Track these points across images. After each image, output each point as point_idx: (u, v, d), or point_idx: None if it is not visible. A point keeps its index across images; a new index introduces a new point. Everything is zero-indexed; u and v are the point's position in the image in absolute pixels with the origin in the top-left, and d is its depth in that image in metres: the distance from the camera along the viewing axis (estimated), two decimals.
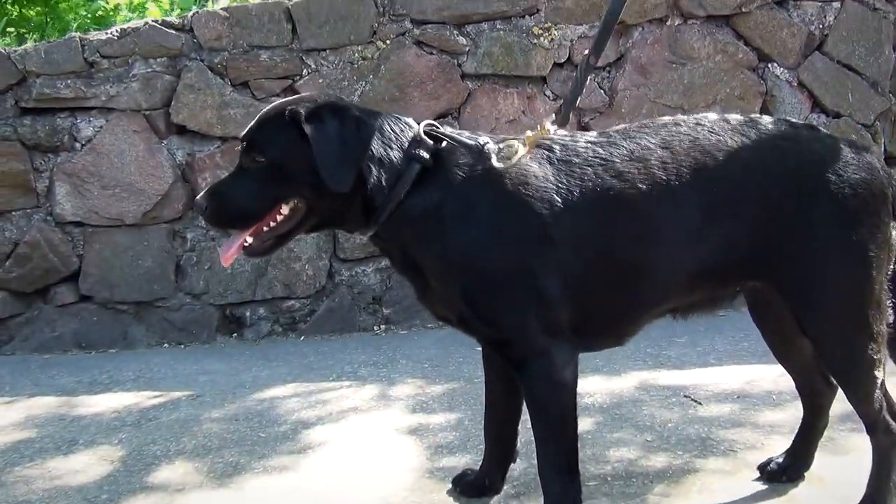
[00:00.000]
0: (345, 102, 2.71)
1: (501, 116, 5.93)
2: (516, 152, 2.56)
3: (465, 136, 2.66)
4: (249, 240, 2.62)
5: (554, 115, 2.75)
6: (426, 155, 2.57)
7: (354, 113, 2.60)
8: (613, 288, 2.58)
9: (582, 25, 5.99)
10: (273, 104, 2.73)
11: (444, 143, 2.62)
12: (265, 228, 2.61)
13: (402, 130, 2.64)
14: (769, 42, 6.02)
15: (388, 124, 2.64)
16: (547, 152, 2.59)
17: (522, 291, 2.48)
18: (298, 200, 2.58)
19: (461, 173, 2.55)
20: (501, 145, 2.60)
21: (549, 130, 2.67)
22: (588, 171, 2.54)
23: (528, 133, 2.64)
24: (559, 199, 2.49)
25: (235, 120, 5.95)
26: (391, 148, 2.59)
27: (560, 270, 2.49)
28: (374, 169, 2.55)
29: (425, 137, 2.61)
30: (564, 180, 2.52)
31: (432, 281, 2.58)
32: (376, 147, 2.57)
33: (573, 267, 2.50)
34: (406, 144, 2.60)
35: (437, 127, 2.68)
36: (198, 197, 2.67)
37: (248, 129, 2.67)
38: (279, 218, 2.60)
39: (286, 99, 2.71)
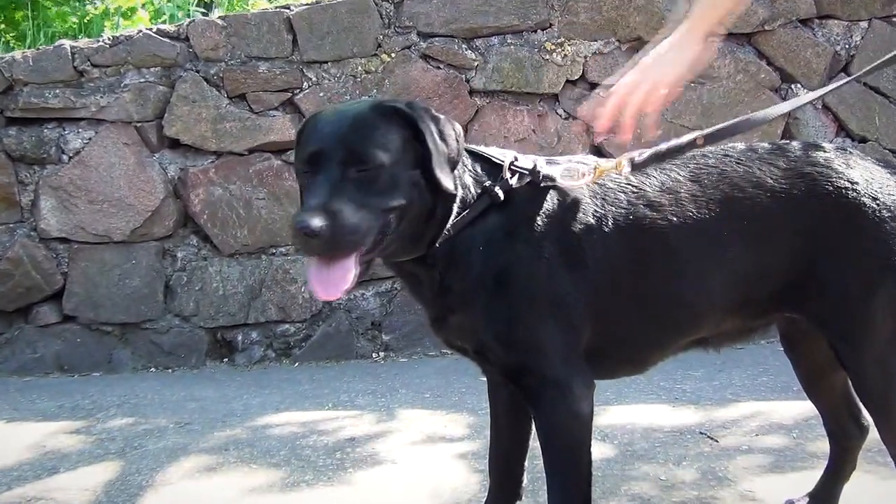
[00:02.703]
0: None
1: (511, 135, 5.95)
2: (583, 175, 2.58)
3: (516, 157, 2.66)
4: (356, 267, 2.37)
5: (637, 154, 2.70)
6: (501, 194, 2.53)
7: (442, 115, 2.56)
8: (640, 317, 2.60)
9: (596, 41, 6.01)
10: (340, 107, 2.58)
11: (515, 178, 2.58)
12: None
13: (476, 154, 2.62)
14: (793, 62, 6.04)
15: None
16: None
17: (552, 316, 2.49)
18: (394, 215, 2.40)
19: (515, 193, 2.54)
20: (567, 166, 2.61)
21: (623, 167, 2.64)
22: (621, 198, 2.57)
23: (601, 163, 2.65)
24: (595, 223, 2.52)
25: (231, 134, 5.98)
26: (465, 171, 2.55)
27: (590, 296, 2.50)
28: (458, 187, 2.51)
29: (507, 175, 2.56)
30: (600, 204, 2.56)
31: (458, 303, 2.56)
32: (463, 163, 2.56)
33: (603, 294, 2.52)
34: (473, 169, 2.58)
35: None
36: (304, 218, 2.25)
37: (338, 134, 2.40)
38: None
39: (362, 100, 2.56)
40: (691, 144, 2.73)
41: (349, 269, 2.32)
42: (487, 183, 2.55)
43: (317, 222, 2.23)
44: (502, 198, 2.53)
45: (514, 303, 2.49)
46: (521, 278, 2.49)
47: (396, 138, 2.42)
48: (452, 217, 2.50)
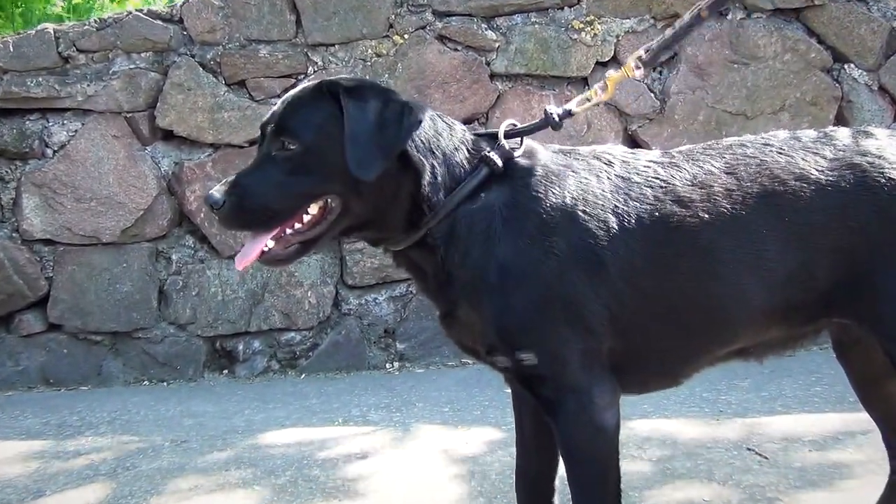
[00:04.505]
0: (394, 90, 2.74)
1: None
2: (595, 94, 2.82)
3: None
4: (270, 244, 2.56)
5: (643, 51, 2.89)
6: (499, 160, 2.60)
7: (402, 99, 2.61)
8: (669, 324, 2.59)
9: (629, 19, 6.00)
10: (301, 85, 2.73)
11: (521, 150, 2.66)
12: (289, 231, 2.56)
13: (462, 131, 2.70)
14: (846, 40, 6.00)
15: (449, 123, 2.69)
16: (606, 167, 2.62)
17: (564, 318, 2.48)
18: (331, 198, 2.55)
19: (523, 181, 2.59)
20: (580, 97, 2.84)
21: (632, 69, 2.83)
22: (647, 194, 2.57)
23: (611, 73, 2.86)
24: (615, 221, 2.52)
25: (230, 124, 5.99)
26: (458, 148, 2.63)
27: (609, 300, 2.49)
28: (434, 165, 2.58)
29: (505, 142, 2.65)
30: (622, 200, 2.56)
31: (463, 300, 2.57)
32: (440, 143, 2.61)
33: (624, 297, 2.51)
34: (475, 145, 2.67)
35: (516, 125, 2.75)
36: (212, 190, 2.54)
37: (272, 111, 2.62)
38: (306, 219, 2.56)
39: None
40: (697, 19, 2.84)
41: (257, 244, 2.54)
42: (486, 151, 2.62)
43: (217, 196, 2.52)
44: (500, 164, 2.60)
45: (521, 301, 2.51)
46: (526, 275, 2.50)
47: (326, 116, 2.54)
48: (436, 198, 2.56)
